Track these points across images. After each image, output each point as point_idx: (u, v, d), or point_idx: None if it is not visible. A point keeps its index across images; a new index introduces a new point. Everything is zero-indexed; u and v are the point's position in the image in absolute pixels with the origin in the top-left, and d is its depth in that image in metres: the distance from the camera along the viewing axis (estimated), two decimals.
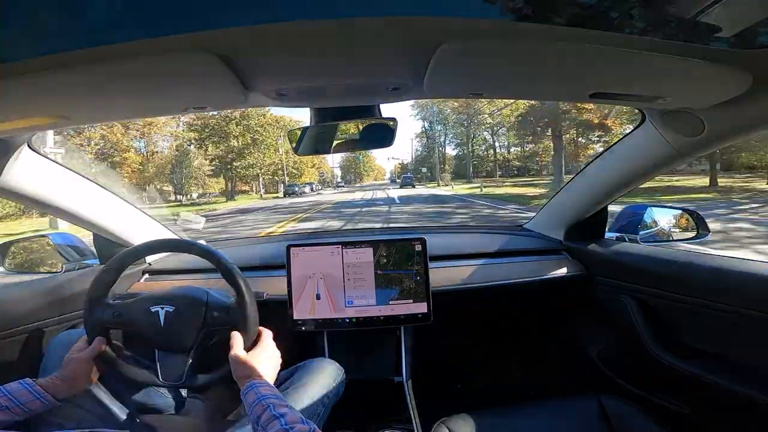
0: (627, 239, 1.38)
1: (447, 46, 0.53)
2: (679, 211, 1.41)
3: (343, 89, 0.73)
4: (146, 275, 1.44)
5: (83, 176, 1.15)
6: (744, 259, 1.00)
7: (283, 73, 0.64)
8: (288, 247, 1.26)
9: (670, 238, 1.38)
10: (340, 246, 1.27)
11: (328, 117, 0.90)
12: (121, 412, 0.91)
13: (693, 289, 1.04)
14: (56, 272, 1.28)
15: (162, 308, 0.88)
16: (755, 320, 0.89)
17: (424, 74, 0.63)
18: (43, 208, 1.10)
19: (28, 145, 0.95)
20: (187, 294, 0.92)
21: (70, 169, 1.10)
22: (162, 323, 0.87)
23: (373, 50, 0.58)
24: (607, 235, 1.44)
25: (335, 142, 0.96)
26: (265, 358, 0.84)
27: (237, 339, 0.85)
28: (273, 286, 1.28)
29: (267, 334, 0.90)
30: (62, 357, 0.83)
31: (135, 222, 1.37)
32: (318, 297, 1.25)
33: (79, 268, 1.33)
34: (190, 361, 0.88)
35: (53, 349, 0.92)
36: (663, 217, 1.41)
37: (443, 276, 1.34)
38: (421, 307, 1.25)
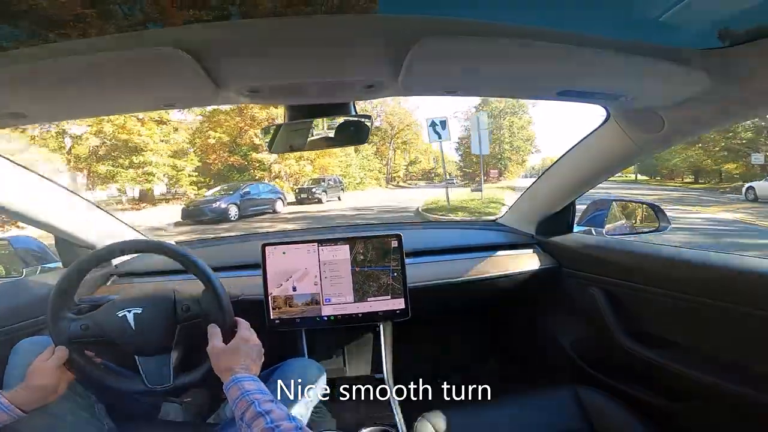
0: (594, 232, 1.43)
1: (421, 44, 0.54)
2: (642, 205, 1.48)
3: (317, 86, 0.73)
4: (114, 277, 1.39)
5: (42, 176, 1.09)
6: (705, 250, 1.05)
7: (256, 70, 0.64)
8: (263, 246, 1.24)
9: (634, 231, 1.45)
10: (316, 244, 1.26)
11: (302, 114, 0.89)
12: (95, 420, 0.88)
13: (657, 279, 1.09)
14: (17, 277, 1.23)
15: (129, 311, 0.86)
16: (721, 310, 0.94)
17: (398, 72, 0.64)
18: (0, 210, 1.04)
19: None
20: (153, 293, 0.90)
21: (29, 169, 1.05)
22: (133, 326, 0.85)
23: (348, 48, 0.58)
24: (576, 228, 1.50)
25: (309, 140, 0.96)
26: (246, 348, 0.82)
27: (214, 331, 0.84)
28: (248, 285, 1.27)
29: (244, 324, 0.89)
30: (26, 363, 0.80)
31: (98, 223, 1.32)
32: (294, 296, 1.24)
33: (41, 272, 1.27)
34: (173, 361, 0.86)
35: (16, 355, 0.88)
36: (627, 211, 1.48)
37: (420, 272, 1.36)
38: (399, 303, 1.26)
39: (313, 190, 16.64)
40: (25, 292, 1.13)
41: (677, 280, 1.04)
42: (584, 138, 1.17)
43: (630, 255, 1.19)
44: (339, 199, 17.66)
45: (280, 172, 20.02)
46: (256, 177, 18.75)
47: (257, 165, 19.33)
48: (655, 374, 1.12)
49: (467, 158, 32.33)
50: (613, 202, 1.46)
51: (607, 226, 1.41)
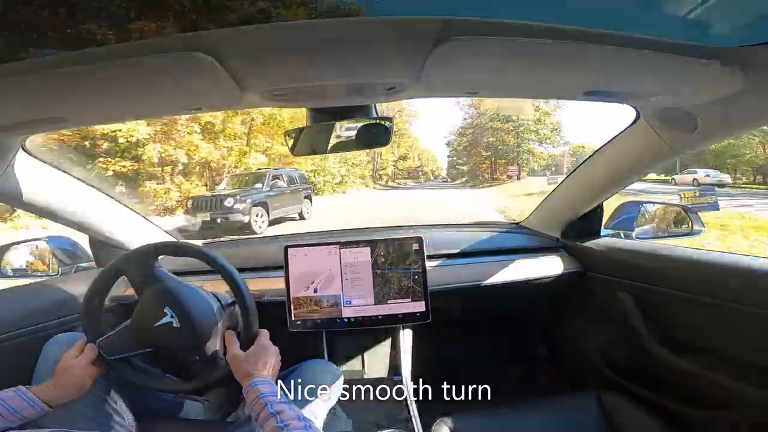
0: (623, 235, 1.39)
1: (443, 45, 0.53)
2: (674, 208, 1.42)
3: (339, 89, 0.74)
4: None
5: (78, 178, 1.14)
6: (741, 254, 1.00)
7: (279, 73, 0.65)
8: (286, 248, 1.26)
9: (665, 234, 1.39)
10: (337, 246, 1.27)
11: (324, 117, 0.90)
12: (116, 415, 0.90)
13: (689, 284, 1.05)
14: (52, 275, 1.28)
15: (172, 317, 0.86)
16: (753, 316, 0.89)
17: (420, 74, 0.64)
18: (38, 211, 1.09)
19: (23, 148, 0.94)
20: (201, 330, 0.88)
21: (65, 171, 1.10)
22: (154, 324, 0.86)
23: (370, 50, 0.58)
24: (603, 232, 1.45)
25: (332, 142, 0.96)
26: (264, 355, 0.84)
27: (232, 339, 0.86)
28: (271, 286, 1.28)
29: (264, 333, 0.91)
30: (57, 360, 0.83)
31: (130, 224, 1.37)
32: (316, 297, 1.25)
33: (75, 271, 1.33)
34: (139, 352, 0.88)
35: (47, 352, 0.91)
36: (658, 214, 1.43)
37: (441, 274, 1.35)
38: (419, 306, 1.25)
39: (230, 202, 7.55)
40: (60, 290, 1.17)
41: (711, 285, 0.99)
42: (612, 138, 1.13)
43: (661, 259, 1.15)
44: (301, 216, 9.66)
45: (171, 160, 10.74)
46: (110, 172, 10.06)
47: (108, 148, 10.14)
48: (683, 382, 1.07)
49: (470, 152, 27.58)
50: (644, 205, 1.41)
51: (637, 229, 1.36)
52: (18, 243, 1.36)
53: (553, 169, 24.19)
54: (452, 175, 31.24)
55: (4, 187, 0.94)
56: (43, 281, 1.23)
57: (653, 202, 1.45)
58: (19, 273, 1.31)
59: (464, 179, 28.29)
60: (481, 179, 26.34)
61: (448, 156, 31.99)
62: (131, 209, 1.36)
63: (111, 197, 1.27)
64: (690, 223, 1.33)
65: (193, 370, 0.90)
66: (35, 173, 1.01)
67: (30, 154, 0.97)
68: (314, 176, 15.94)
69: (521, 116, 24.13)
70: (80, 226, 1.22)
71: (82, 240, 1.39)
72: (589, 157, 1.27)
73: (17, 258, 1.33)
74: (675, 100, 0.80)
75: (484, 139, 26.44)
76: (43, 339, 0.95)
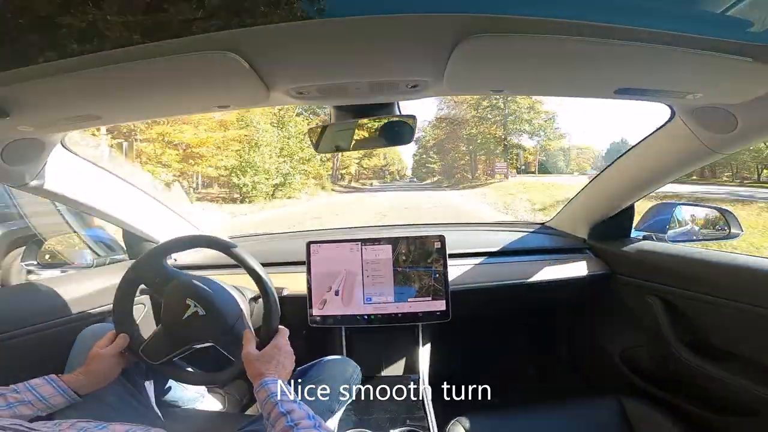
0: (654, 238, 1.34)
1: (467, 43, 0.52)
2: (710, 210, 1.36)
3: (362, 87, 0.74)
4: None
5: (113, 174, 1.19)
6: None
7: (303, 71, 0.65)
8: (308, 244, 1.28)
9: (700, 238, 1.33)
10: (359, 243, 1.27)
11: (348, 114, 0.90)
12: (140, 405, 0.93)
13: (723, 289, 1.00)
14: (87, 267, 1.33)
15: (196, 306, 0.88)
16: None
17: (443, 71, 0.63)
18: (75, 205, 1.14)
19: (62, 144, 0.99)
20: (225, 312, 0.90)
21: (101, 167, 1.14)
22: (183, 317, 0.88)
23: (394, 48, 0.58)
24: (633, 234, 1.41)
25: (355, 140, 0.97)
26: (278, 356, 0.84)
27: (249, 336, 0.86)
28: (292, 281, 1.30)
29: (283, 332, 0.90)
30: (88, 349, 0.85)
31: (162, 219, 1.41)
32: (337, 294, 1.26)
33: (110, 263, 1.38)
34: (179, 351, 0.90)
35: (80, 342, 0.95)
36: (693, 216, 1.37)
37: (463, 274, 1.33)
38: (440, 305, 1.24)
39: None
40: (94, 282, 1.23)
41: (745, 290, 0.95)
42: (645, 137, 1.09)
43: (693, 262, 1.10)
44: None
45: None
46: None
47: None
48: (710, 388, 1.03)
49: (447, 147, 24.18)
50: (678, 206, 1.35)
51: (670, 231, 1.31)
52: (55, 234, 1.43)
53: (523, 167, 21.99)
54: (420, 174, 28.45)
55: (43, 182, 0.99)
56: (78, 273, 1.29)
57: (688, 204, 1.39)
58: (55, 264, 1.37)
59: (435, 179, 25.38)
60: (459, 178, 23.12)
61: (414, 154, 29.08)
62: (163, 204, 1.41)
63: (144, 192, 1.32)
64: (727, 226, 1.27)
65: (230, 353, 0.91)
66: (73, 168, 1.06)
67: (68, 150, 1.01)
68: (237, 177, 11.84)
69: (510, 104, 20.61)
70: (114, 220, 1.27)
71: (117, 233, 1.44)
72: (620, 156, 1.23)
73: (54, 249, 1.39)
74: (712, 98, 0.76)
75: (464, 132, 22.99)
76: (77, 329, 0.99)
